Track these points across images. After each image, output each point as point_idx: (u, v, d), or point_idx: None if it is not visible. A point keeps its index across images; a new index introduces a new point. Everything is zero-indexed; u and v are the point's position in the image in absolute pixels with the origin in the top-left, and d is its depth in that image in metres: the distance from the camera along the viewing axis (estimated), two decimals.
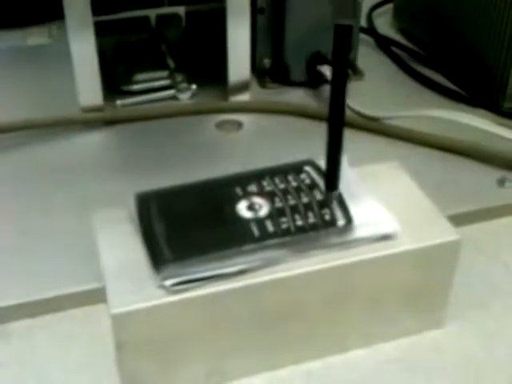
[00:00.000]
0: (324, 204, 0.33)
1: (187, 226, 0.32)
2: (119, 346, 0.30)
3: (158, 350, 0.31)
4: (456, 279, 0.35)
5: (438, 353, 0.35)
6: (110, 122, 0.52)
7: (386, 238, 0.33)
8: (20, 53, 0.63)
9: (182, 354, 0.31)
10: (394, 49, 0.63)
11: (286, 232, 0.32)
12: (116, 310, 0.29)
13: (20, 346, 0.35)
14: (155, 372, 0.31)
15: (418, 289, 0.34)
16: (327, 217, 0.32)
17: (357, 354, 0.35)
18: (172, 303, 0.30)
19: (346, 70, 0.30)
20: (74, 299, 0.37)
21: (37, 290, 0.37)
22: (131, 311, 0.29)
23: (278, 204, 0.33)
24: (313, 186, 0.34)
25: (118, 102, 0.53)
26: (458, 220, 0.35)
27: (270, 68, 0.57)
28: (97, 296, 0.35)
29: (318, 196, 0.33)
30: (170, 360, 0.31)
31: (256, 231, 0.32)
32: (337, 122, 0.32)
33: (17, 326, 0.36)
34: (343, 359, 0.34)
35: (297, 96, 0.56)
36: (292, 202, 0.33)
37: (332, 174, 0.33)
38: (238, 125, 0.52)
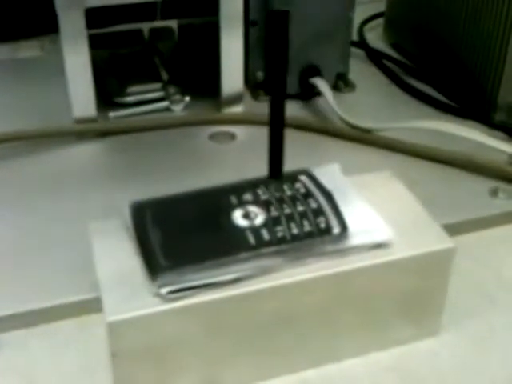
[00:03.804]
0: (319, 212, 0.33)
1: (183, 234, 0.32)
2: (114, 355, 0.30)
3: (153, 358, 0.31)
4: (450, 288, 0.35)
5: (433, 361, 0.35)
6: (103, 134, 0.52)
7: (380, 245, 0.33)
8: (12, 65, 0.63)
9: (177, 362, 0.31)
10: (385, 62, 0.63)
11: (282, 240, 0.32)
12: (112, 318, 0.29)
13: (14, 356, 0.35)
14: (151, 380, 0.31)
15: (413, 297, 0.34)
16: (322, 225, 0.32)
17: (352, 363, 0.35)
18: (168, 311, 0.30)
19: (284, 56, 0.30)
20: (68, 309, 0.37)
21: (31, 300, 0.37)
22: (127, 319, 0.29)
23: (274, 213, 0.33)
24: (308, 194, 0.34)
25: (112, 113, 0.53)
26: (450, 230, 0.35)
27: (263, 80, 0.57)
28: (92, 306, 0.35)
29: (313, 205, 0.34)
30: (165, 368, 0.31)
31: (252, 239, 0.32)
32: (277, 113, 0.32)
33: (11, 336, 0.36)
34: (338, 368, 0.34)
35: (289, 108, 0.55)
36: (287, 210, 0.33)
37: (275, 162, 0.33)
38: (231, 136, 0.52)
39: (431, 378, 0.34)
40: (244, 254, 0.31)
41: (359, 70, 0.61)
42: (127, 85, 0.55)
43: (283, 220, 0.33)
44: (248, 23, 0.54)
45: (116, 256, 0.32)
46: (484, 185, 0.47)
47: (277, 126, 0.32)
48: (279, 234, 0.32)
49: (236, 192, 0.34)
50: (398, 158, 0.49)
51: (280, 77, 0.30)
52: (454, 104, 0.57)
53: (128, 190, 0.45)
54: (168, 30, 0.63)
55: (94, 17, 0.49)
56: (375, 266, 0.32)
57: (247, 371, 0.33)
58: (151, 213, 0.33)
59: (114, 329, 0.29)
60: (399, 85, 0.60)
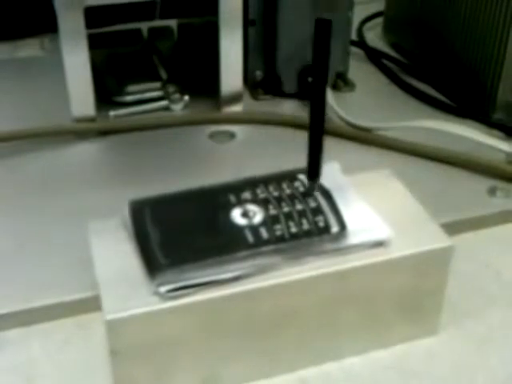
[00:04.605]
0: (318, 211, 0.33)
1: (182, 233, 0.32)
2: (114, 353, 0.30)
3: (152, 356, 0.31)
4: (449, 287, 0.35)
5: (433, 360, 0.35)
6: (102, 133, 0.52)
7: (379, 244, 0.33)
8: (12, 64, 0.63)
9: (176, 360, 0.31)
10: (385, 61, 0.63)
11: (281, 239, 0.32)
12: (110, 316, 0.29)
13: (14, 355, 0.35)
14: (150, 378, 0.31)
15: (412, 295, 0.34)
16: (321, 224, 0.33)
17: (352, 361, 0.35)
18: (167, 309, 0.30)
19: (326, 62, 0.31)
20: (68, 308, 0.37)
21: (31, 299, 0.37)
22: (126, 317, 0.29)
23: (272, 211, 0.33)
24: (307, 193, 0.34)
25: (111, 112, 0.53)
26: (449, 229, 0.36)
27: (262, 80, 0.57)
28: (91, 304, 0.35)
29: (312, 203, 0.34)
30: (164, 366, 0.31)
31: (250, 238, 0.32)
32: (318, 111, 0.32)
33: (12, 334, 0.36)
34: (338, 366, 0.34)
35: (288, 107, 0.56)
36: (286, 209, 0.33)
37: (314, 163, 0.33)
38: (231, 135, 0.53)
39: (430, 377, 0.34)
40: (243, 253, 0.31)
41: (358, 69, 0.61)
42: (126, 84, 0.55)
43: (282, 219, 0.33)
44: (247, 23, 0.54)
45: (115, 254, 0.32)
46: (482, 184, 0.47)
47: (317, 125, 0.33)
48: (278, 233, 0.32)
49: (235, 190, 0.34)
50: (397, 157, 0.50)
51: (323, 75, 0.31)
52: (452, 103, 0.57)
53: (127, 188, 0.44)
54: (167, 30, 0.63)
55: (93, 16, 0.49)
56: (374, 264, 0.33)
57: (247, 369, 0.33)
58: (150, 211, 0.34)
59: (113, 327, 0.29)
60: (398, 84, 0.60)
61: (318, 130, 0.33)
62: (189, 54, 0.61)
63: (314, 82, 0.32)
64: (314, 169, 0.34)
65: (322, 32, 0.30)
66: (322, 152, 0.33)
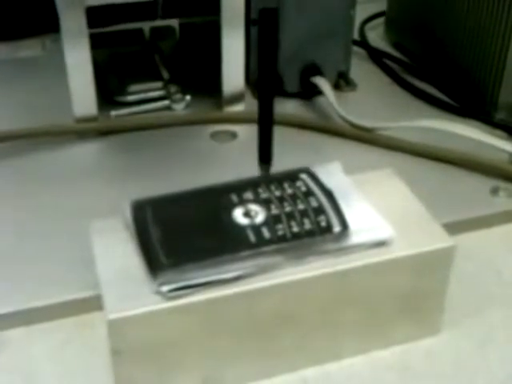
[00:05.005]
0: (320, 211, 0.33)
1: (183, 233, 0.32)
2: (115, 352, 0.30)
3: (154, 356, 0.31)
4: (451, 287, 0.35)
5: (434, 359, 0.35)
6: (104, 133, 0.52)
7: (381, 244, 0.33)
8: (13, 65, 0.63)
9: (178, 360, 0.31)
10: (387, 61, 0.63)
11: (282, 238, 0.32)
12: (112, 316, 0.29)
13: (15, 354, 0.35)
14: (151, 378, 0.31)
15: (414, 295, 0.34)
16: (323, 223, 0.32)
17: (353, 361, 0.35)
18: (168, 309, 0.30)
19: (274, 49, 0.31)
20: (70, 307, 0.37)
21: (32, 298, 0.37)
22: (127, 317, 0.29)
23: (274, 211, 0.33)
24: (309, 193, 0.34)
25: (113, 112, 0.53)
26: (451, 228, 0.35)
27: None
28: (93, 304, 0.35)
29: (314, 203, 0.34)
30: (166, 366, 0.31)
31: (252, 237, 0.32)
32: (266, 98, 0.32)
33: (12, 333, 0.36)
34: (339, 366, 0.34)
35: (290, 107, 0.56)
36: (288, 208, 0.33)
37: (264, 147, 0.34)
38: (232, 135, 0.52)
39: (431, 377, 0.34)
40: (244, 252, 0.31)
41: (360, 69, 0.61)
42: (128, 84, 0.55)
43: (284, 218, 0.33)
44: (249, 22, 0.54)
45: (117, 254, 0.32)
46: (485, 184, 0.47)
47: (266, 119, 0.33)
48: (280, 233, 0.32)
49: (237, 190, 0.34)
50: (399, 157, 0.49)
51: (269, 74, 0.31)
52: (454, 103, 0.56)
53: (129, 188, 0.45)
54: (169, 29, 0.63)
55: (94, 16, 0.49)
56: (375, 264, 0.33)
57: (248, 369, 0.33)
58: (152, 211, 0.33)
59: (114, 327, 0.29)
60: (400, 84, 0.60)
61: (267, 117, 0.33)
62: (191, 54, 0.61)
63: (260, 80, 0.31)
64: (265, 153, 0.34)
65: (268, 23, 0.29)
66: (272, 136, 0.33)
